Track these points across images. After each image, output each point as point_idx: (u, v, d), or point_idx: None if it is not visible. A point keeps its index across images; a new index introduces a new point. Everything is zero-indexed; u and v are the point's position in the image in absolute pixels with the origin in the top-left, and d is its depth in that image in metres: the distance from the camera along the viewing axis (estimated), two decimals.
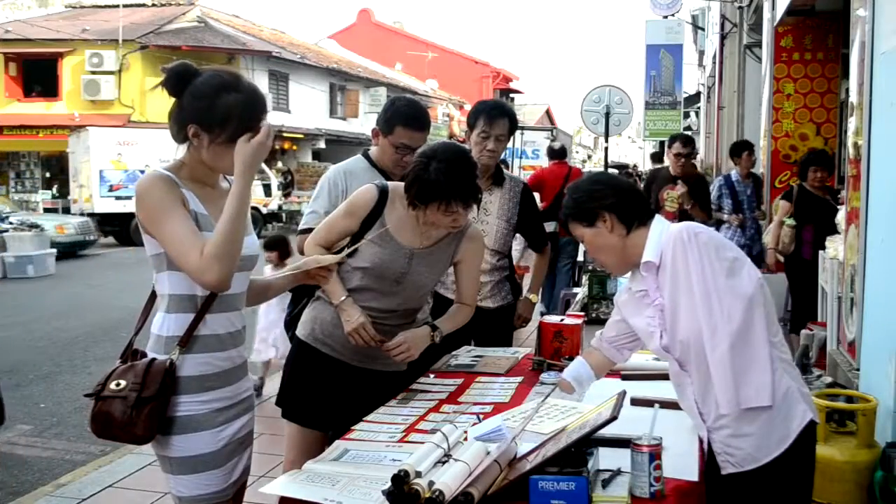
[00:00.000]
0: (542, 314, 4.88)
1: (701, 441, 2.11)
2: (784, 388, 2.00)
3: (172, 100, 2.09)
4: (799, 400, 2.01)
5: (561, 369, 2.84)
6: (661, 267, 2.05)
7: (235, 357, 2.18)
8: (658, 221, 2.16)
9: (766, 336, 1.99)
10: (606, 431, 1.84)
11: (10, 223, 13.96)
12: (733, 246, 2.12)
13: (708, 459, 2.08)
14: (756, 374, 1.97)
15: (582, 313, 3.49)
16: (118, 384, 2.02)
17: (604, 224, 2.14)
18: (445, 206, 2.46)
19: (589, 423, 1.84)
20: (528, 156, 15.74)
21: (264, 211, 20.65)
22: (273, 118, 25.01)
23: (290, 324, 3.24)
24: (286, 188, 23.65)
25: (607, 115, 11.69)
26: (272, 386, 5.25)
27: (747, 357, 1.97)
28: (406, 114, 3.04)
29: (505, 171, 3.73)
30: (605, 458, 1.88)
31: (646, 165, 42.74)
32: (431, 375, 2.90)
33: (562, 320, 3.07)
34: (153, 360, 2.05)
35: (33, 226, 13.85)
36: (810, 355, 4.62)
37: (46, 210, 20.37)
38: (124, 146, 19.25)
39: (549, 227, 5.80)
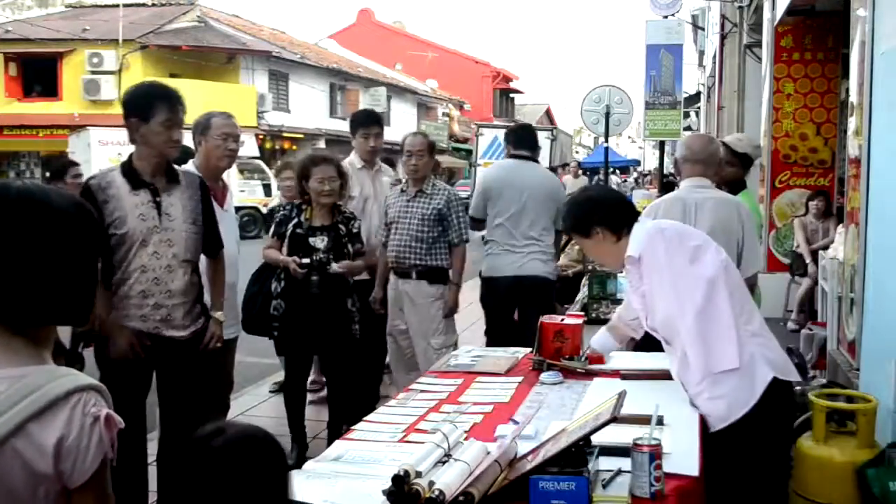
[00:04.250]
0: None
1: (701, 436, 2.17)
2: (748, 353, 2.30)
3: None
4: (762, 363, 2.31)
5: (561, 369, 2.85)
6: (641, 260, 2.41)
7: None
8: (639, 222, 2.51)
9: (730, 310, 2.31)
10: (606, 433, 1.85)
11: None
12: (698, 234, 2.50)
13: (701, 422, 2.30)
14: (722, 342, 2.29)
15: (582, 313, 3.49)
16: None
17: (597, 235, 2.50)
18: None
19: (589, 424, 1.84)
20: None
21: (264, 211, 20.63)
22: (273, 118, 24.99)
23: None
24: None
25: (607, 115, 11.69)
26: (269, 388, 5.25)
27: (713, 329, 2.29)
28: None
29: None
30: (606, 458, 1.88)
31: (646, 166, 42.74)
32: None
33: (562, 320, 3.07)
34: None
35: None
36: (810, 355, 4.63)
37: None
38: (124, 146, 19.22)
39: None
